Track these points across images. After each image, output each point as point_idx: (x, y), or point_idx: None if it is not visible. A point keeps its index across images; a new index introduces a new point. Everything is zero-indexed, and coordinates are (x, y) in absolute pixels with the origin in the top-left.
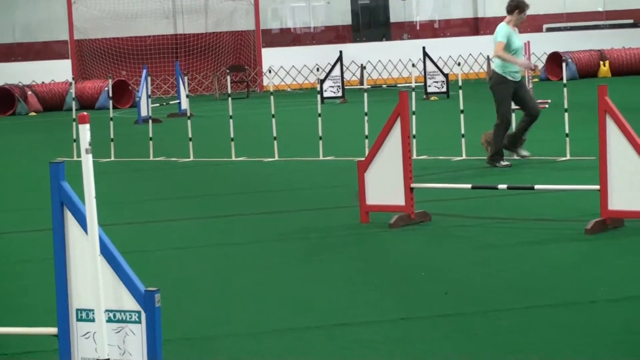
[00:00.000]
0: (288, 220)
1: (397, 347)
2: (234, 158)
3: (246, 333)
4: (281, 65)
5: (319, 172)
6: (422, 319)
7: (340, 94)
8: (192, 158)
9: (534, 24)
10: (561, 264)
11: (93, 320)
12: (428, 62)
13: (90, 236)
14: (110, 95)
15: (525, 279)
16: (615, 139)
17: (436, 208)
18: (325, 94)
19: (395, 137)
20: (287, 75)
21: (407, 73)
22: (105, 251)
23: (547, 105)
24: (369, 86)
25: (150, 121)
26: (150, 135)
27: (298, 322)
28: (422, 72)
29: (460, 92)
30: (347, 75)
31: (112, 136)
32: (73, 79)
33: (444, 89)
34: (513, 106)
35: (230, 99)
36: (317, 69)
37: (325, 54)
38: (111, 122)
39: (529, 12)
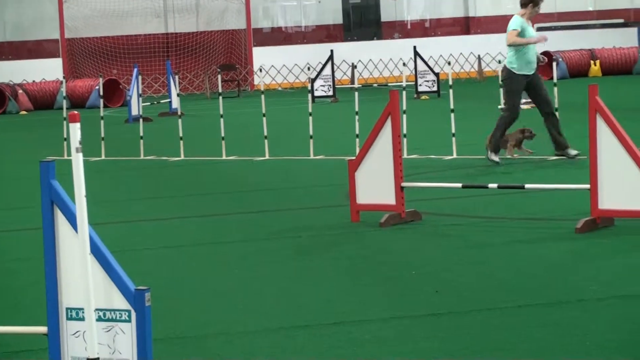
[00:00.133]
0: (279, 219)
1: (387, 345)
2: (224, 157)
3: (237, 332)
4: (272, 64)
5: (309, 171)
6: (413, 317)
7: (331, 93)
8: (182, 157)
9: None
10: (552, 263)
11: (83, 319)
12: (419, 61)
13: (80, 235)
14: (101, 94)
15: (516, 278)
16: (605, 138)
17: (427, 207)
18: (316, 93)
19: (386, 136)
20: (278, 74)
21: (398, 72)
22: (95, 250)
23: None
24: (360, 85)
25: (141, 120)
26: (141, 134)
27: (289, 320)
28: (413, 71)
29: (451, 91)
30: (338, 75)
31: (102, 135)
32: (64, 77)
33: (435, 88)
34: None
35: (221, 97)
36: (308, 68)
37: (316, 53)
38: (102, 121)
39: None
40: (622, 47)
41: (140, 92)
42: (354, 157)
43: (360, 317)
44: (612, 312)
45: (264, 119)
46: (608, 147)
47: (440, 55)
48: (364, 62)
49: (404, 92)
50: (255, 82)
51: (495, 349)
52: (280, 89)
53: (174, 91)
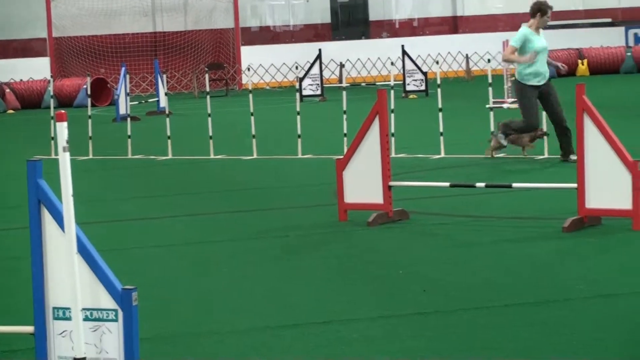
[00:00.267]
0: (266, 218)
1: (375, 344)
2: (212, 156)
3: (225, 331)
4: (260, 63)
5: (297, 170)
6: (401, 316)
7: (319, 92)
8: (170, 156)
9: (513, 22)
10: (539, 262)
11: (70, 318)
12: (407, 60)
13: (67, 234)
14: (89, 93)
15: (503, 277)
16: (592, 137)
17: (414, 206)
18: (304, 92)
19: (373, 135)
20: (266, 73)
21: (386, 71)
22: (82, 249)
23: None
24: (348, 84)
25: (128, 119)
26: (129, 133)
27: (277, 319)
28: (401, 71)
29: (439, 90)
30: (326, 74)
31: (90, 134)
32: (51, 76)
33: (423, 87)
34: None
35: (209, 97)
36: (296, 67)
37: (305, 52)
38: (89, 120)
39: (515, 10)
40: (610, 47)
41: (128, 91)
42: (341, 156)
43: (348, 316)
44: (599, 311)
45: (252, 118)
46: (595, 146)
47: (429, 55)
48: (352, 61)
49: (392, 91)
50: (243, 81)
51: (483, 348)
52: (268, 88)
53: (162, 90)
